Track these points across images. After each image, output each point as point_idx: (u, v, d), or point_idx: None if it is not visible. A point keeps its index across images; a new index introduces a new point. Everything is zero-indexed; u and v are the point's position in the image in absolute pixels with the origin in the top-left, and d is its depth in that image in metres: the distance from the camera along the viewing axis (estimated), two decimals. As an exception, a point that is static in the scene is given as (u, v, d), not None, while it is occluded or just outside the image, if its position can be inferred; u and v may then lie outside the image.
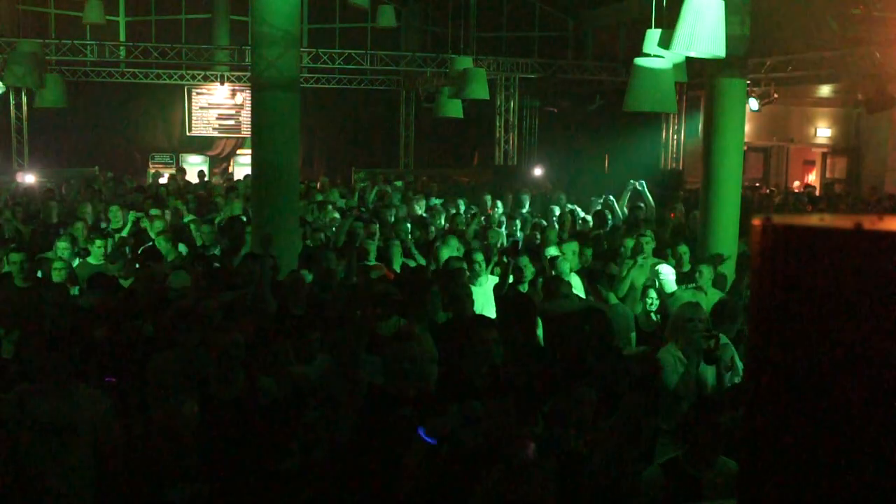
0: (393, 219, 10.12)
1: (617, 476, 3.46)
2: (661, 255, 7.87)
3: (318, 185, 15.29)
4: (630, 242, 7.74)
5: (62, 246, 7.47)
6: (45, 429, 3.78)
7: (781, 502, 0.96)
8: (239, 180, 16.28)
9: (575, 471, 3.46)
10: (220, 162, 22.59)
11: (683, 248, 7.72)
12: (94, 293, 6.06)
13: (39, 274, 6.89)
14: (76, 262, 7.68)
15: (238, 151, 22.35)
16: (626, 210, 10.91)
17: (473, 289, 6.33)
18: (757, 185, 19.96)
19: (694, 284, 6.72)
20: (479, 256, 7.05)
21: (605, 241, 9.07)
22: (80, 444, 3.83)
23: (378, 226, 9.04)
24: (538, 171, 18.40)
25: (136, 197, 12.78)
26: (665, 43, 6.26)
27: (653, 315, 6.63)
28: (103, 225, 9.81)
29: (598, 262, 7.82)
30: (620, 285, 7.11)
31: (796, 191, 19.06)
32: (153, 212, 9.95)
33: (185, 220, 10.35)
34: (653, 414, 4.19)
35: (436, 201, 12.62)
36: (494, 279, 6.98)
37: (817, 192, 18.62)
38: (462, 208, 11.71)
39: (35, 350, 4.04)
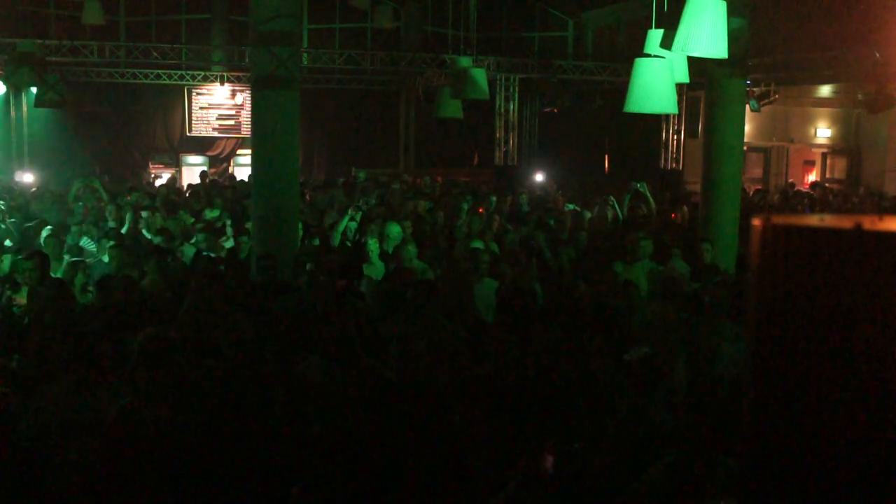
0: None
1: (618, 481, 3.45)
2: (662, 256, 7.85)
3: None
4: (647, 243, 7.64)
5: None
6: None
7: (782, 502, 0.96)
8: (242, 180, 16.19)
9: (576, 477, 3.45)
10: (220, 162, 22.58)
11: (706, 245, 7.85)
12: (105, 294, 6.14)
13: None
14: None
15: (238, 151, 22.33)
16: (626, 210, 10.90)
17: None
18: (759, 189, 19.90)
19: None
20: (486, 256, 7.04)
21: (605, 242, 9.06)
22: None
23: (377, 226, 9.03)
24: (540, 177, 18.41)
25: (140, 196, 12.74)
26: (666, 43, 6.25)
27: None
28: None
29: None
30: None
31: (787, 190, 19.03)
32: (145, 213, 9.91)
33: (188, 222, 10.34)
34: (655, 416, 4.19)
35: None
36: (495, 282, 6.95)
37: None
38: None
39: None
